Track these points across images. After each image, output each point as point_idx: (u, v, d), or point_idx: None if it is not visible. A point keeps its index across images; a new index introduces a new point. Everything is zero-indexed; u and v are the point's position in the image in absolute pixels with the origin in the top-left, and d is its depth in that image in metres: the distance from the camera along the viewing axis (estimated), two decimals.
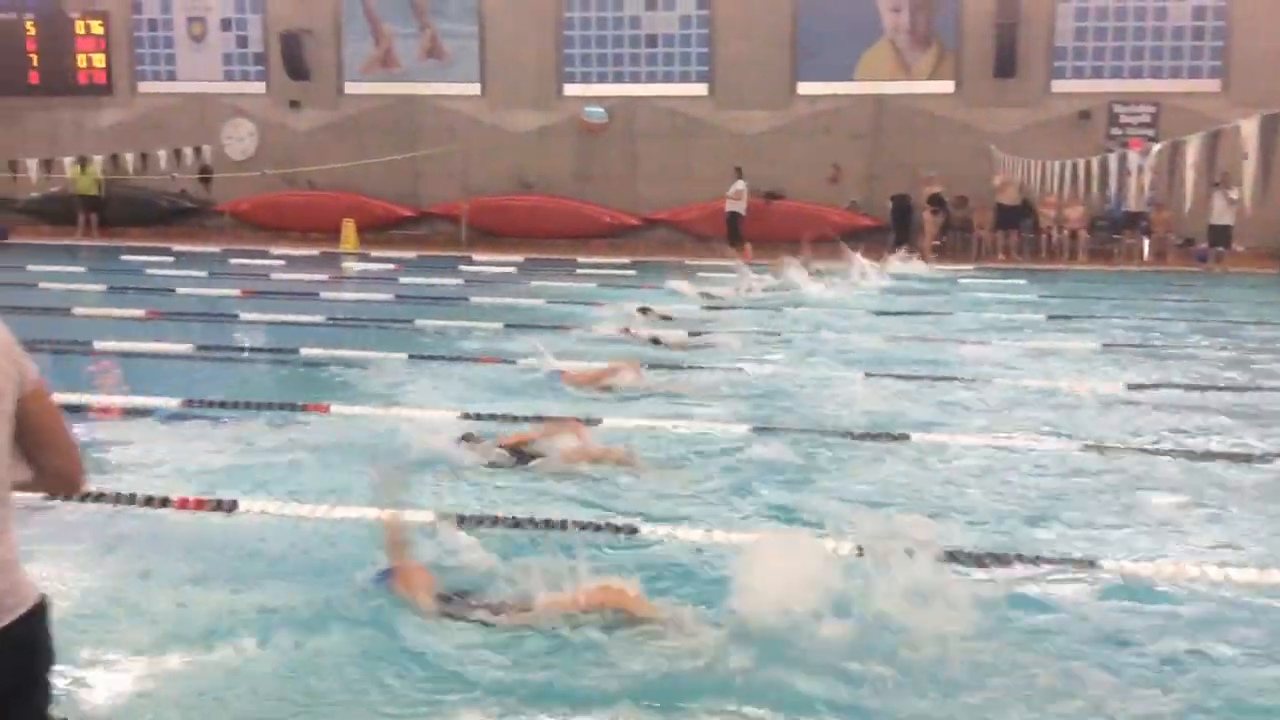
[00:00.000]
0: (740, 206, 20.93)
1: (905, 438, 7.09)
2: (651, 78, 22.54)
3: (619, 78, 22.65)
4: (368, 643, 4.13)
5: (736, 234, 20.48)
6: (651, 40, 22.42)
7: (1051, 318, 13.15)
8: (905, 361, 9.82)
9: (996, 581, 4.75)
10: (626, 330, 10.96)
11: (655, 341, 10.43)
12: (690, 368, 9.36)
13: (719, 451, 6.77)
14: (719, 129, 22.22)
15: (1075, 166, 14.82)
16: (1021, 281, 17.11)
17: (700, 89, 22.43)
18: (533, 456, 6.35)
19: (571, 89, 22.77)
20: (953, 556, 4.91)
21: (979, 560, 4.99)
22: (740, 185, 20.95)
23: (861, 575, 4.45)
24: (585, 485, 6.08)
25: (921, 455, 6.81)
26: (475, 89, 23.03)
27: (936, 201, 20.62)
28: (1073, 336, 11.64)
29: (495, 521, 5.38)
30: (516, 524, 5.36)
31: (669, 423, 7.38)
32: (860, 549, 4.84)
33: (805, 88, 22.00)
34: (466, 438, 6.59)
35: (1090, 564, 5.02)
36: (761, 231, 20.21)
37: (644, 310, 12.03)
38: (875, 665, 3.90)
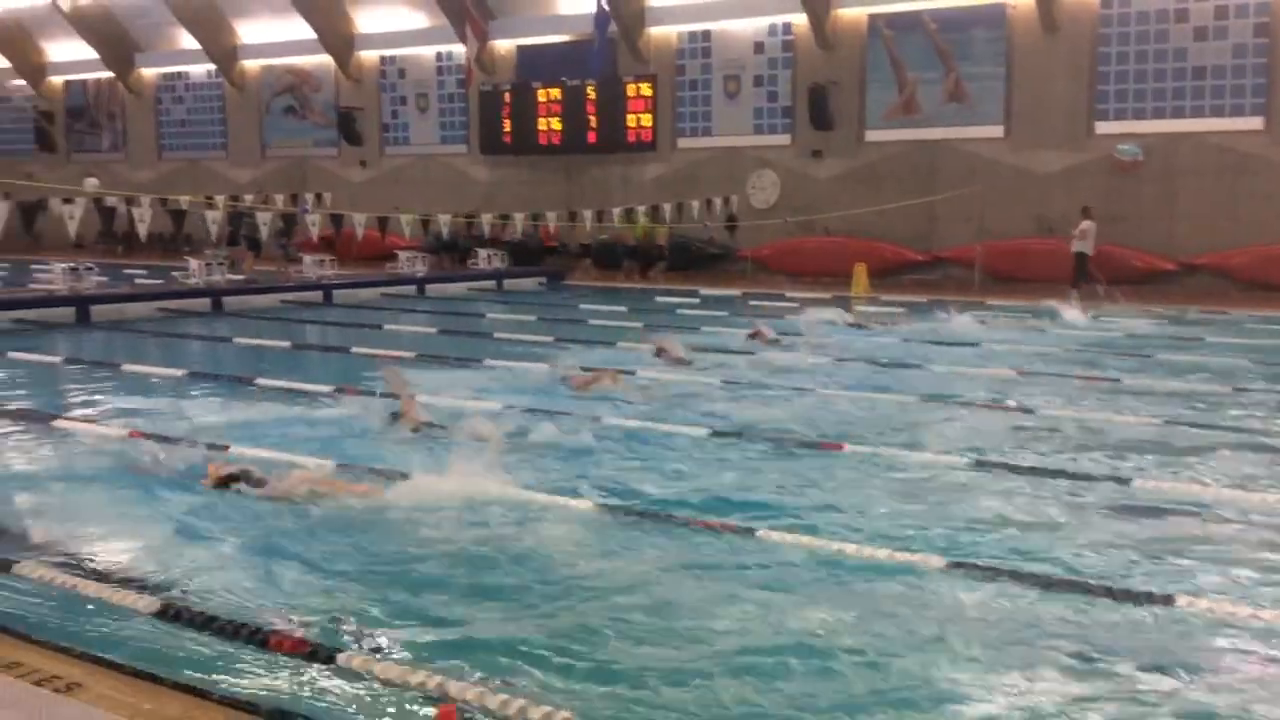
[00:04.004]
0: (1086, 247, 19.70)
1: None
2: (1197, 112, 20.73)
3: (1159, 113, 21.07)
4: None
5: (1081, 274, 19.67)
6: (1199, 72, 20.64)
7: None
8: None
9: None
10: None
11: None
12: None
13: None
14: (1277, 166, 19.92)
15: None
16: None
17: (1255, 122, 20.26)
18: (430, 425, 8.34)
19: (1104, 126, 21.55)
20: None
21: None
22: (1086, 224, 19.67)
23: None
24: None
25: None
26: (998, 130, 22.51)
27: None
28: None
29: None
30: None
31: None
32: None
33: None
34: (394, 415, 8.48)
35: None
36: None
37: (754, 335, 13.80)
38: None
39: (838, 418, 9.25)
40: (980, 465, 7.49)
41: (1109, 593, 5.09)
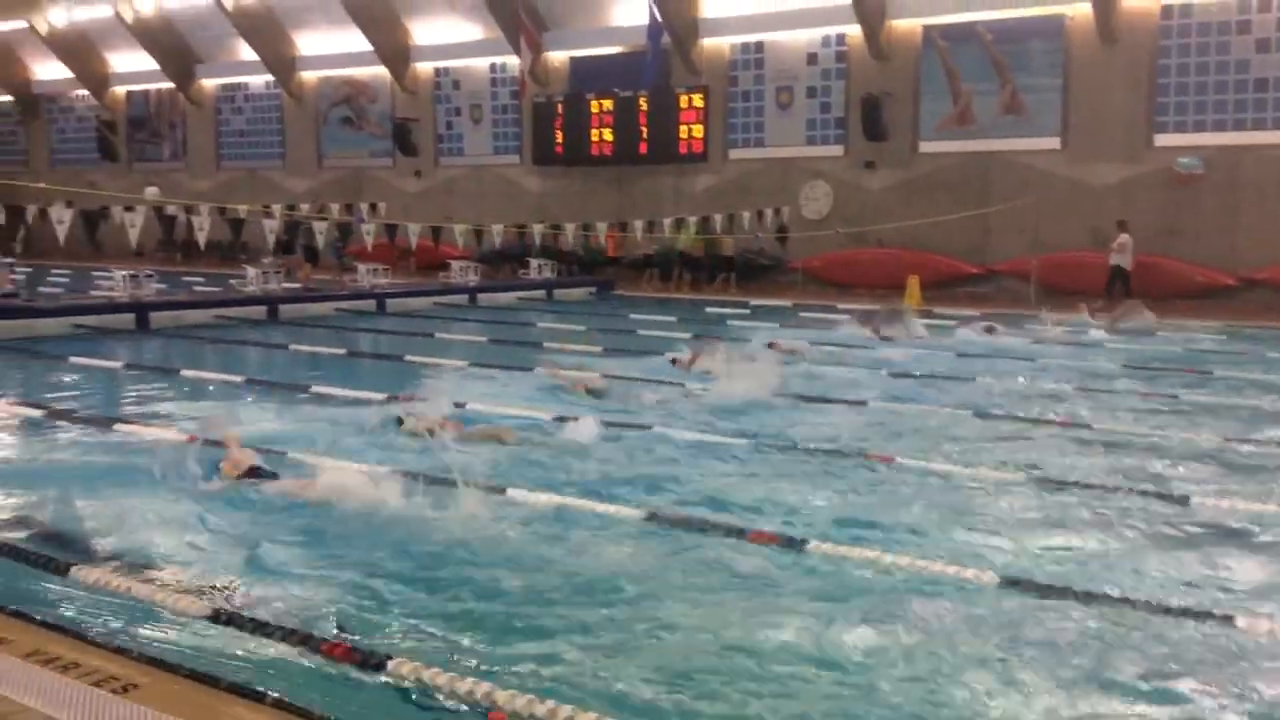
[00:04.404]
0: (1124, 260, 19.88)
1: None
2: (1259, 124, 20.38)
3: (1220, 126, 20.74)
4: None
5: (1125, 286, 19.76)
6: (1261, 84, 20.30)
7: None
8: None
9: None
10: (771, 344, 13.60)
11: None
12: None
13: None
14: None
15: None
16: None
17: None
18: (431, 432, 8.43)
19: (1163, 139, 21.25)
20: None
21: None
22: (1124, 238, 19.86)
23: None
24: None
25: None
26: (1054, 143, 22.27)
27: None
28: None
29: None
30: None
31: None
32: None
33: None
34: (399, 419, 8.78)
35: None
36: None
37: (771, 345, 13.96)
38: None
39: (876, 429, 9.23)
40: (1034, 480, 7.40)
41: (1167, 611, 5.00)
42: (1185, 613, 5.00)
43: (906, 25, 23.58)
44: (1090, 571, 5.63)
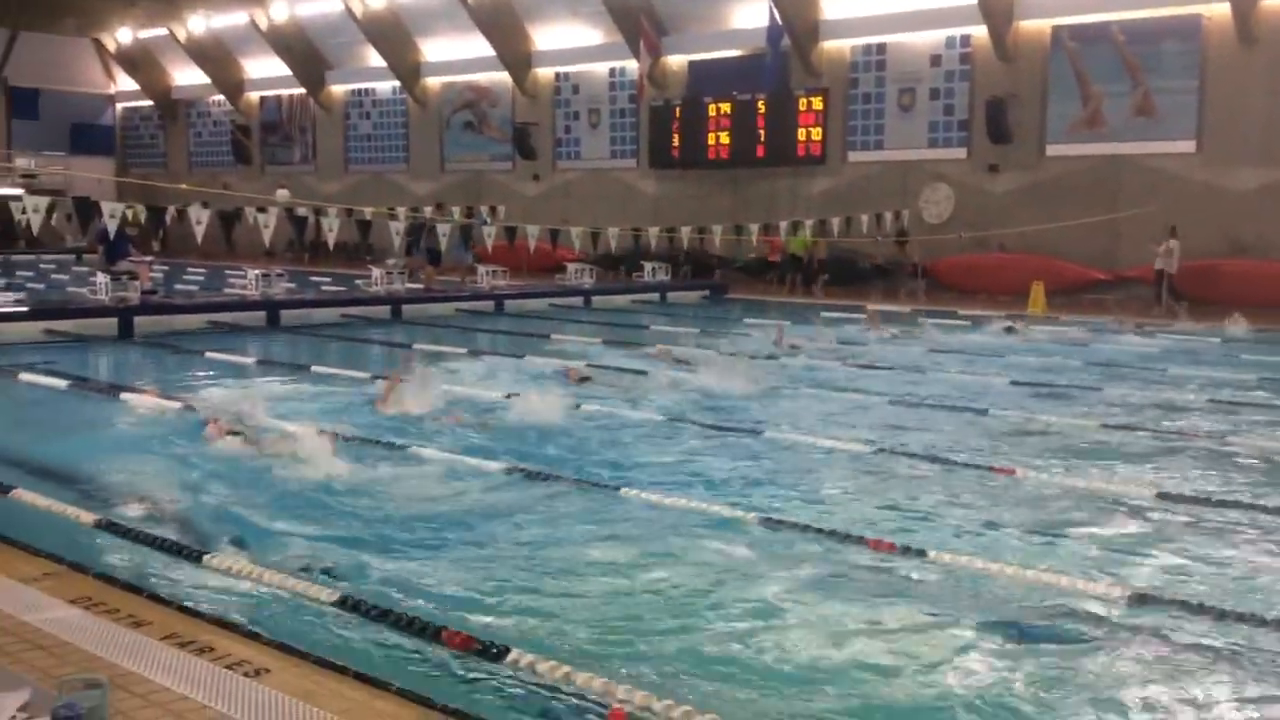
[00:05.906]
0: (1169, 265, 19.80)
1: None
2: None
3: None
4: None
5: (1164, 291, 19.96)
6: None
7: None
8: None
9: None
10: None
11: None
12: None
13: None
14: None
15: None
16: None
17: None
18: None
19: None
20: None
21: None
22: (1171, 243, 19.74)
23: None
24: None
25: None
26: (1189, 146, 21.47)
27: None
28: None
29: None
30: None
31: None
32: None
33: None
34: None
35: None
36: None
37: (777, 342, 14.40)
38: None
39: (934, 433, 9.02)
40: (1164, 495, 7.14)
41: None
42: None
43: (1034, 26, 23.02)
44: (1225, 589, 5.42)
